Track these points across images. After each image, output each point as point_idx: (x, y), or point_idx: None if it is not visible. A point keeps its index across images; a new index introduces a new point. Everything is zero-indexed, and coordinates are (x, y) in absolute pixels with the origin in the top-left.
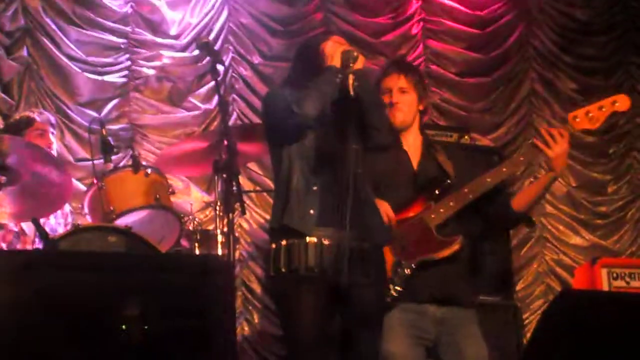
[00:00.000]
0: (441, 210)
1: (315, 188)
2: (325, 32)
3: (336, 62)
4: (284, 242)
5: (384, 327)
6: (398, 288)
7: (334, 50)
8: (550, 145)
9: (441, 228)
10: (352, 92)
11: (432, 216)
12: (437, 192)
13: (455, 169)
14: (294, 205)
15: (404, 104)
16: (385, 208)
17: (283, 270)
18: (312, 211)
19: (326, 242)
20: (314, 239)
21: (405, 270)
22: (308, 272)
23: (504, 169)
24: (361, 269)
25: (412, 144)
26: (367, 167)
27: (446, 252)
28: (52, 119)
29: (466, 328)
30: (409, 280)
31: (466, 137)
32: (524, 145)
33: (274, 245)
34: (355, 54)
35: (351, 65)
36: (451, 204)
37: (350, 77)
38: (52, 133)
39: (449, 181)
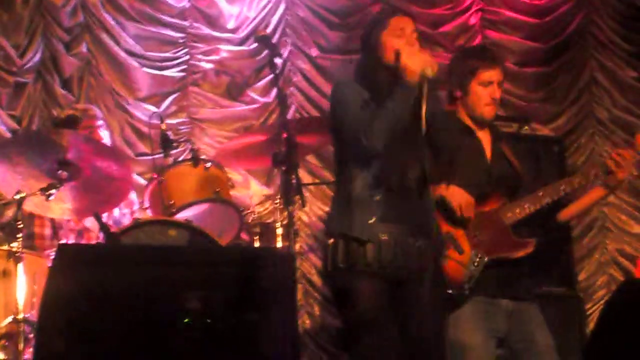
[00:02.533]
0: (517, 210)
1: (377, 198)
2: (381, 15)
3: (414, 76)
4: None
5: (456, 319)
6: (468, 286)
7: (412, 62)
8: (622, 167)
9: (514, 227)
10: (424, 127)
11: (508, 215)
12: (510, 189)
13: (525, 163)
14: (355, 216)
15: (499, 98)
16: (466, 198)
17: (341, 265)
18: (372, 220)
19: (384, 237)
20: (373, 234)
21: (482, 264)
22: (366, 267)
23: (577, 180)
24: (418, 265)
25: (483, 135)
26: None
27: (521, 253)
28: (98, 113)
29: (536, 319)
30: (483, 274)
31: (526, 127)
32: (594, 161)
33: (331, 241)
34: (430, 72)
35: (424, 89)
36: (526, 205)
37: (424, 108)
38: (101, 127)
39: (522, 180)
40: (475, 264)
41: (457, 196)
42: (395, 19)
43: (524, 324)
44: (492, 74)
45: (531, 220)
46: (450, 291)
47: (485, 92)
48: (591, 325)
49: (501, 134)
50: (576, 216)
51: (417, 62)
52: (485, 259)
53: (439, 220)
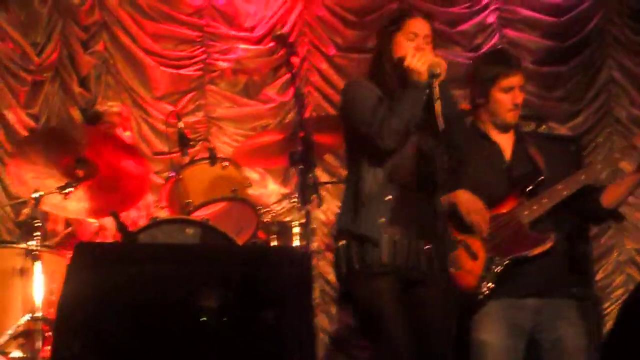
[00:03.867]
0: (534, 207)
1: (388, 198)
2: (398, 16)
3: (420, 75)
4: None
5: (478, 320)
6: (490, 285)
7: (415, 62)
8: None
9: (534, 224)
10: (440, 124)
11: (525, 213)
12: (530, 187)
13: (546, 162)
14: (363, 214)
15: (521, 103)
16: (475, 203)
17: (356, 267)
18: (382, 219)
19: (398, 237)
20: (387, 236)
21: (498, 267)
22: (382, 267)
23: (599, 166)
24: (428, 267)
25: (504, 136)
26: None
27: (539, 250)
28: (122, 111)
29: (566, 317)
30: (502, 277)
31: (543, 126)
32: (620, 146)
33: (344, 242)
34: (438, 70)
35: (435, 85)
36: (544, 200)
37: (438, 106)
38: (120, 125)
39: (542, 177)
40: (490, 269)
41: (465, 202)
42: (410, 21)
43: (551, 320)
44: (512, 80)
45: (555, 212)
46: (466, 297)
47: (507, 98)
48: (608, 325)
49: (525, 133)
50: (620, 202)
51: (421, 62)
52: (503, 262)
53: (451, 228)
